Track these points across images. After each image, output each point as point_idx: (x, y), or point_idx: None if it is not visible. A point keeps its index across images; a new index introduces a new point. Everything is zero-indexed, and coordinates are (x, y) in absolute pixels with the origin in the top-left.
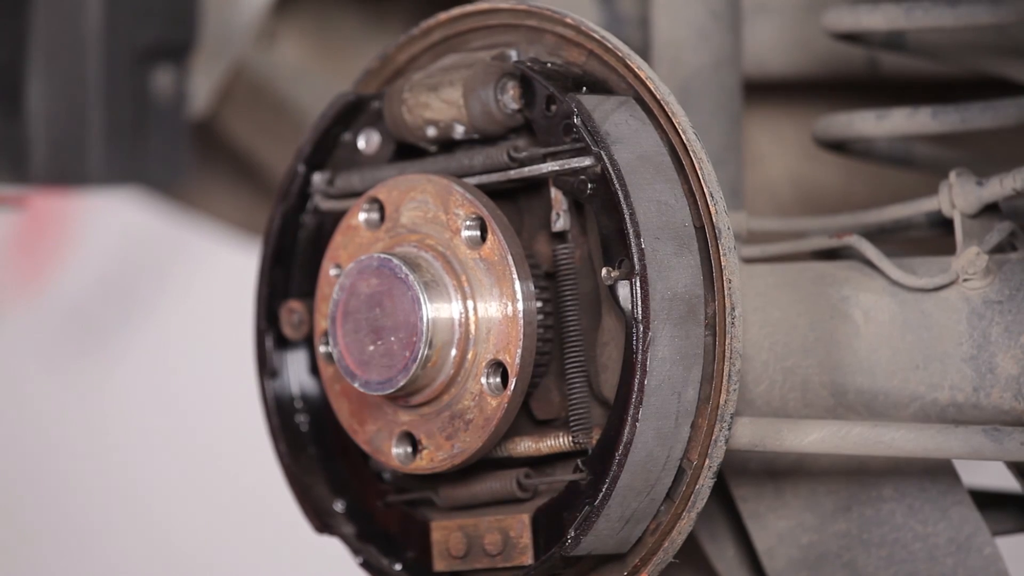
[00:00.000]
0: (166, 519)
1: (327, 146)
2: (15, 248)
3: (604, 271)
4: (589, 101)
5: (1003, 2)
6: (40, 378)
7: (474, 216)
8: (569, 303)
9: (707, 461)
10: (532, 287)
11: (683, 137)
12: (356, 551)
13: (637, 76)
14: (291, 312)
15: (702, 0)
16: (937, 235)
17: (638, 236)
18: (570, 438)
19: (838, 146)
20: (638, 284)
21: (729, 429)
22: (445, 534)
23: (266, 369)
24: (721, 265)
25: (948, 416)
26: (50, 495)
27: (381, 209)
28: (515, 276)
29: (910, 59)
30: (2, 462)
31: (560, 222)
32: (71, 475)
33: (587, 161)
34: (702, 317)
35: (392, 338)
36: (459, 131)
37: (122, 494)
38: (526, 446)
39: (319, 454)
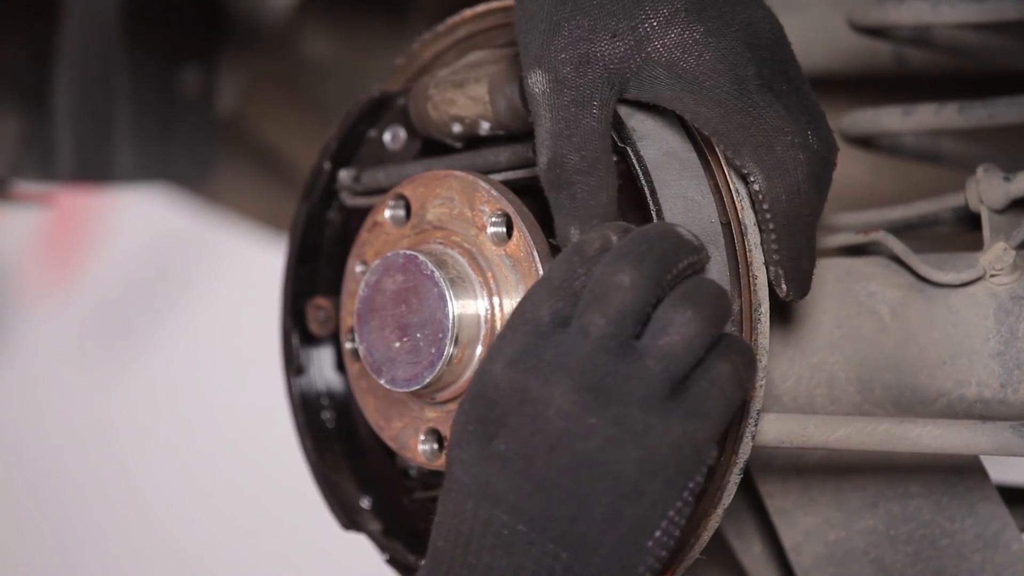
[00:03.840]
0: (189, 514)
1: (353, 143)
2: (43, 244)
3: None
4: None
5: None
6: (66, 373)
7: (500, 212)
8: None
9: (734, 457)
10: None
11: None
12: (383, 548)
13: None
14: (317, 309)
15: None
16: (964, 231)
17: None
18: None
19: (865, 141)
20: None
21: (756, 425)
22: None
23: (292, 366)
24: (747, 261)
25: (975, 412)
26: (73, 488)
27: (407, 206)
28: (541, 272)
29: (937, 55)
30: (27, 456)
31: None
32: (95, 469)
33: (613, 158)
34: None
35: (418, 335)
36: (485, 127)
37: (144, 489)
38: None
39: (345, 451)
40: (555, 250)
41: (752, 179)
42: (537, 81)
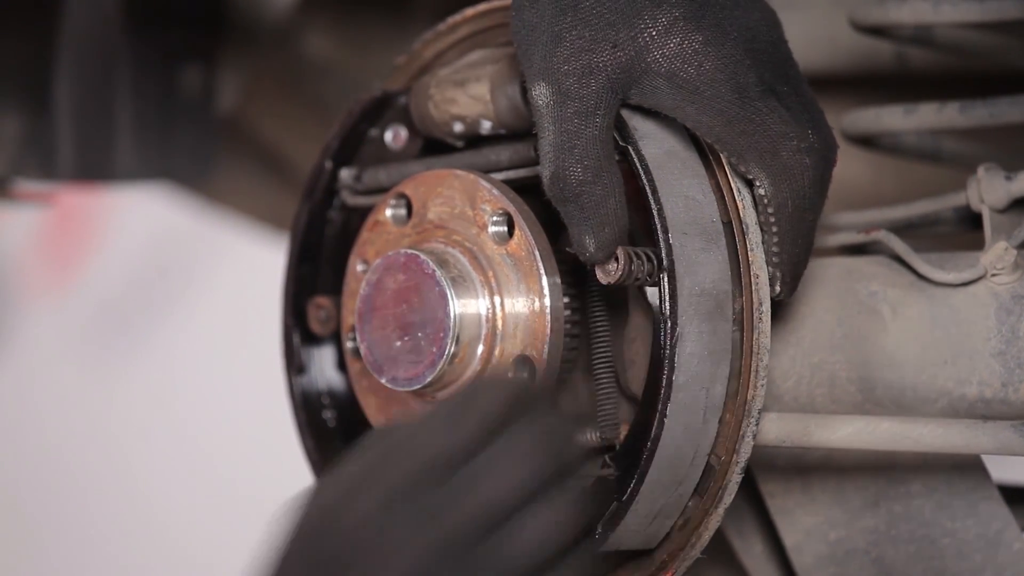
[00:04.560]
0: (189, 513)
1: (354, 142)
2: (44, 244)
3: None
4: None
5: None
6: (66, 372)
7: (501, 212)
8: (596, 299)
9: (735, 457)
10: (559, 283)
11: None
12: None
13: None
14: (318, 308)
15: None
16: (965, 230)
17: (666, 231)
18: (598, 434)
19: (866, 141)
20: (666, 280)
21: (757, 425)
22: None
23: (293, 365)
24: (748, 260)
25: (976, 411)
26: (73, 487)
27: (408, 205)
28: (542, 272)
29: (939, 54)
30: (27, 455)
31: None
32: (94, 468)
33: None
34: (730, 312)
35: (419, 334)
36: (486, 126)
37: (144, 488)
38: None
39: (346, 450)
40: (566, 256)
41: (757, 184)
42: (541, 94)
